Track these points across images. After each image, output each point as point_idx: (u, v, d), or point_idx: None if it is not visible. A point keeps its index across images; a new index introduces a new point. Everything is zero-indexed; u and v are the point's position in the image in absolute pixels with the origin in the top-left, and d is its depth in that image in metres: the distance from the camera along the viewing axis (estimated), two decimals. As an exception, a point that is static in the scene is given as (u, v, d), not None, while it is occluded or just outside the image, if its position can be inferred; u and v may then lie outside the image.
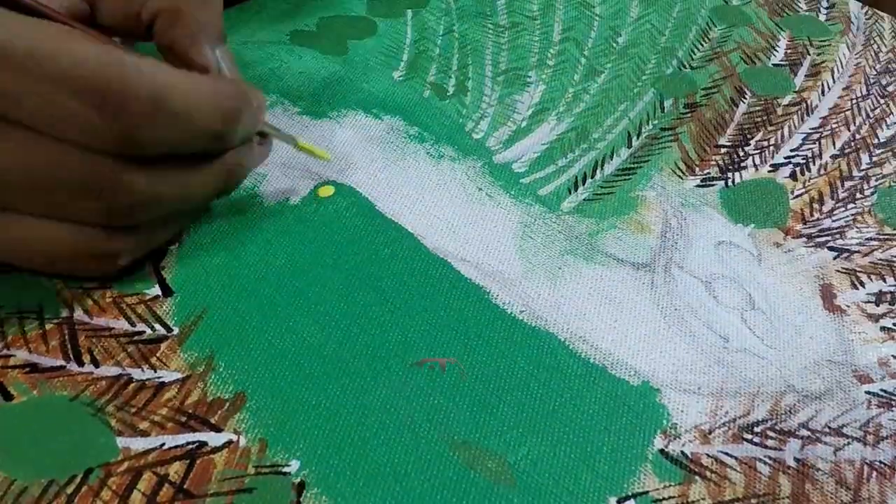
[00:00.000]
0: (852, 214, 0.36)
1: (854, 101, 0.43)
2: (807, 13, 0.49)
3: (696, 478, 0.27)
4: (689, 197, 0.37)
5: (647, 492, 0.26)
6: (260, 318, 0.30)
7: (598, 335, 0.31)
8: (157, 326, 0.30)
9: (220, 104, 0.26)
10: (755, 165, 0.38)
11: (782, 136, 0.40)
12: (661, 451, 0.28)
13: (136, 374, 0.28)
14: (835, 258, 0.34)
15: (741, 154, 0.39)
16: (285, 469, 0.26)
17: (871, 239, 0.35)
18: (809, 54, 0.46)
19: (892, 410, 0.29)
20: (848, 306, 0.33)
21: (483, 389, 0.29)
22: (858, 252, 0.35)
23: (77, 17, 0.27)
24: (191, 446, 0.26)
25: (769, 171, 0.38)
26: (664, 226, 0.35)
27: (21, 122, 0.23)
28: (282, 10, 0.46)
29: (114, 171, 0.24)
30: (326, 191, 0.35)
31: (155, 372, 0.28)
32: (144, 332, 0.30)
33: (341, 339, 0.30)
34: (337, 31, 0.45)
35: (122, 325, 0.30)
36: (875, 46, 0.47)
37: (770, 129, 0.41)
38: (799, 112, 0.42)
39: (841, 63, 0.45)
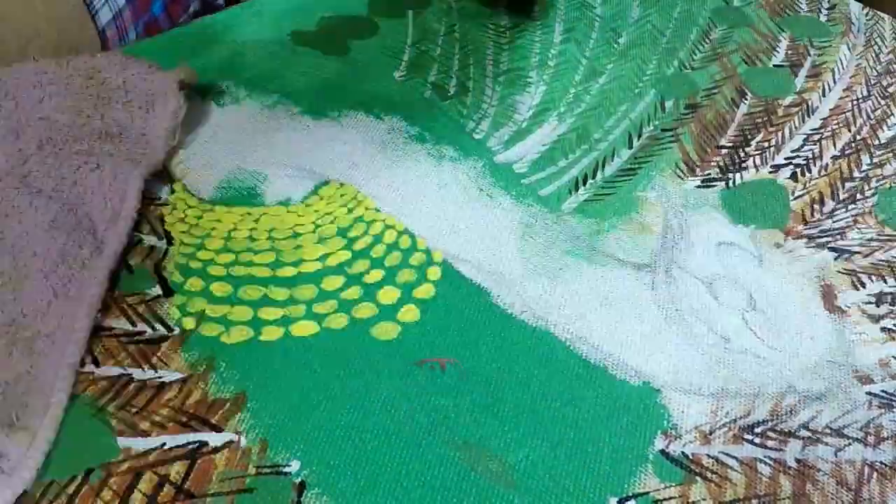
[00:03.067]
0: (853, 215, 0.36)
1: (855, 102, 0.43)
2: (808, 14, 0.49)
3: (697, 478, 0.27)
4: (689, 197, 0.37)
5: (647, 492, 0.26)
6: (259, 320, 0.30)
7: (598, 336, 0.31)
8: (158, 326, 0.30)
9: None
10: (756, 166, 0.39)
11: (783, 136, 0.40)
12: (662, 451, 0.28)
13: (137, 373, 0.28)
14: (836, 259, 0.34)
15: (742, 155, 0.39)
16: (286, 469, 0.26)
17: (871, 240, 0.35)
18: (810, 55, 0.46)
19: (893, 411, 0.29)
20: (849, 307, 0.33)
21: (484, 390, 0.29)
22: (859, 253, 0.35)
23: None
24: (191, 446, 0.26)
25: (770, 172, 0.38)
26: (665, 226, 0.35)
27: None
28: (283, 10, 0.46)
29: None
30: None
31: (156, 372, 0.28)
32: (145, 331, 0.29)
33: (341, 339, 0.30)
34: (338, 30, 0.45)
35: (122, 324, 0.30)
36: (876, 47, 0.47)
37: (771, 129, 0.41)
38: (800, 113, 0.42)
39: (842, 64, 0.45)
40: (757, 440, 0.28)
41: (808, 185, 0.38)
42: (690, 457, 0.27)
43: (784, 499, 0.27)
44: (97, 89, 0.36)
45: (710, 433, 0.28)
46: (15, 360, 0.27)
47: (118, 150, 0.34)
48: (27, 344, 0.27)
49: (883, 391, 0.30)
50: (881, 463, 0.28)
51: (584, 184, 0.37)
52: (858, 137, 0.41)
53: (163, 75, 0.37)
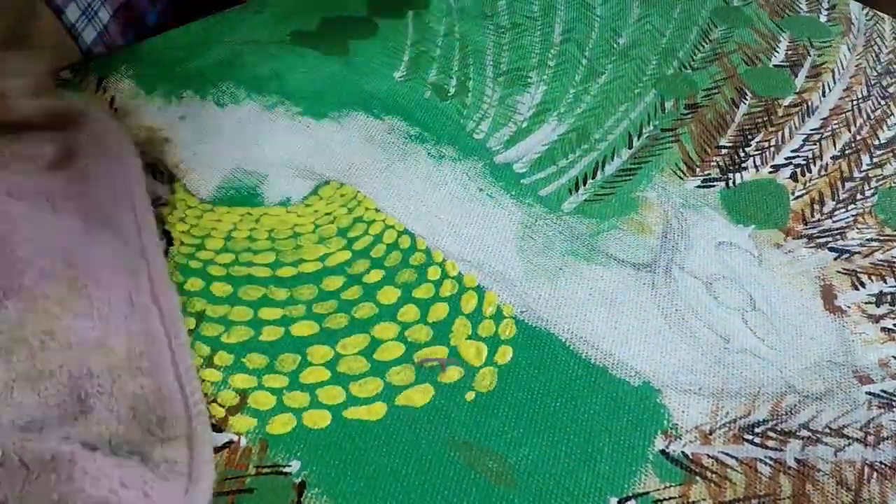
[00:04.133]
0: (853, 215, 0.36)
1: (855, 103, 0.43)
2: (807, 14, 0.49)
3: (697, 478, 0.27)
4: (689, 198, 0.37)
5: (647, 492, 0.26)
6: (259, 320, 0.30)
7: (598, 336, 0.31)
8: (158, 326, 0.30)
9: None
10: (756, 166, 0.39)
11: (783, 136, 0.40)
12: (662, 451, 0.28)
13: (137, 373, 0.28)
14: (835, 259, 0.34)
15: (742, 155, 0.39)
16: (286, 469, 0.26)
17: (871, 240, 0.35)
18: (810, 55, 0.46)
19: (893, 411, 0.29)
20: (848, 307, 0.33)
21: (484, 390, 0.29)
22: (859, 253, 0.35)
23: None
24: (191, 446, 0.26)
25: (770, 172, 0.38)
26: (665, 226, 0.35)
27: None
28: (283, 11, 0.46)
29: None
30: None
31: (156, 372, 0.28)
32: (145, 331, 0.29)
33: (339, 337, 0.30)
34: (338, 31, 0.45)
35: (122, 324, 0.30)
36: (876, 47, 0.47)
37: (771, 129, 0.41)
38: (800, 113, 0.42)
39: (842, 64, 0.45)
40: (757, 440, 0.28)
41: (808, 185, 0.38)
42: (690, 457, 0.27)
43: (784, 499, 0.27)
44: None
45: (711, 433, 0.28)
46: (124, 384, 0.26)
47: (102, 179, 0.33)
48: (125, 364, 0.26)
49: (883, 391, 0.30)
50: (881, 463, 0.28)
51: (584, 184, 0.37)
52: (858, 137, 0.41)
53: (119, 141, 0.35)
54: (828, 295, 0.33)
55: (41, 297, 0.27)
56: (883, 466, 0.28)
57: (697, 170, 0.38)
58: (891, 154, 0.40)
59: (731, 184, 0.37)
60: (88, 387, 0.25)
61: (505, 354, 0.30)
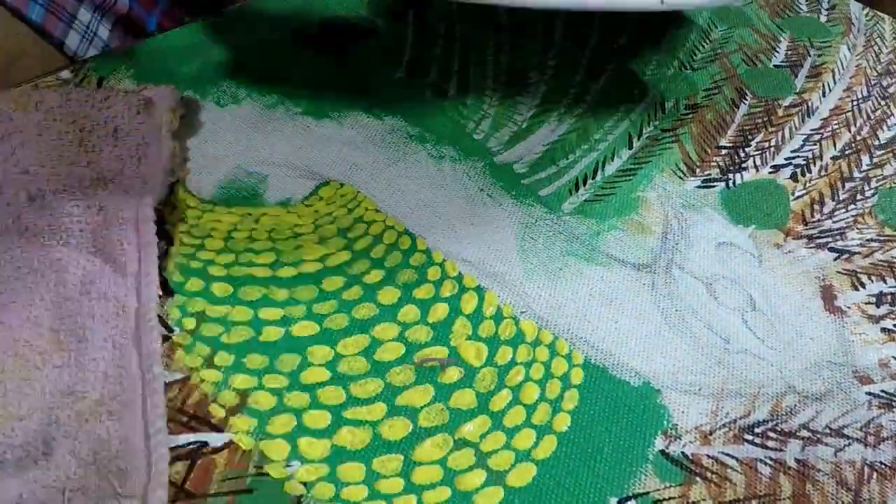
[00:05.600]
0: (853, 215, 0.36)
1: (855, 103, 0.43)
2: (807, 14, 0.49)
3: (697, 478, 0.27)
4: (689, 198, 0.37)
5: (647, 492, 0.26)
6: (259, 320, 0.30)
7: (598, 336, 0.31)
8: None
9: None
10: (756, 166, 0.39)
11: (783, 137, 0.40)
12: (662, 451, 0.28)
13: (137, 374, 0.28)
14: (835, 259, 0.34)
15: (742, 155, 0.39)
16: (286, 469, 0.26)
17: (871, 240, 0.35)
18: (810, 55, 0.46)
19: (893, 411, 0.29)
20: (848, 307, 0.33)
21: (484, 390, 0.29)
22: (859, 253, 0.35)
23: None
24: (192, 446, 0.26)
25: (770, 173, 0.38)
26: (665, 227, 0.35)
27: None
28: (283, 11, 0.46)
29: None
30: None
31: (156, 372, 0.28)
32: (145, 332, 0.29)
33: (339, 338, 0.30)
34: (338, 31, 0.45)
35: (123, 325, 0.30)
36: (876, 48, 0.47)
37: (771, 130, 0.41)
38: (800, 113, 0.42)
39: (842, 64, 0.45)
40: (757, 440, 0.28)
41: (808, 186, 0.38)
42: (690, 457, 0.27)
43: (784, 499, 0.27)
44: (80, 136, 0.35)
45: (711, 433, 0.28)
46: (91, 427, 0.26)
47: (115, 193, 0.33)
48: (95, 407, 0.26)
49: (883, 391, 0.30)
50: (881, 463, 0.28)
51: (585, 184, 0.37)
52: (858, 138, 0.41)
53: (152, 119, 0.36)
54: (828, 295, 0.33)
55: (23, 342, 0.27)
56: (883, 466, 0.28)
57: (697, 170, 0.38)
58: (891, 154, 0.40)
59: (731, 184, 0.38)
60: (54, 433, 0.25)
61: (505, 355, 0.30)
